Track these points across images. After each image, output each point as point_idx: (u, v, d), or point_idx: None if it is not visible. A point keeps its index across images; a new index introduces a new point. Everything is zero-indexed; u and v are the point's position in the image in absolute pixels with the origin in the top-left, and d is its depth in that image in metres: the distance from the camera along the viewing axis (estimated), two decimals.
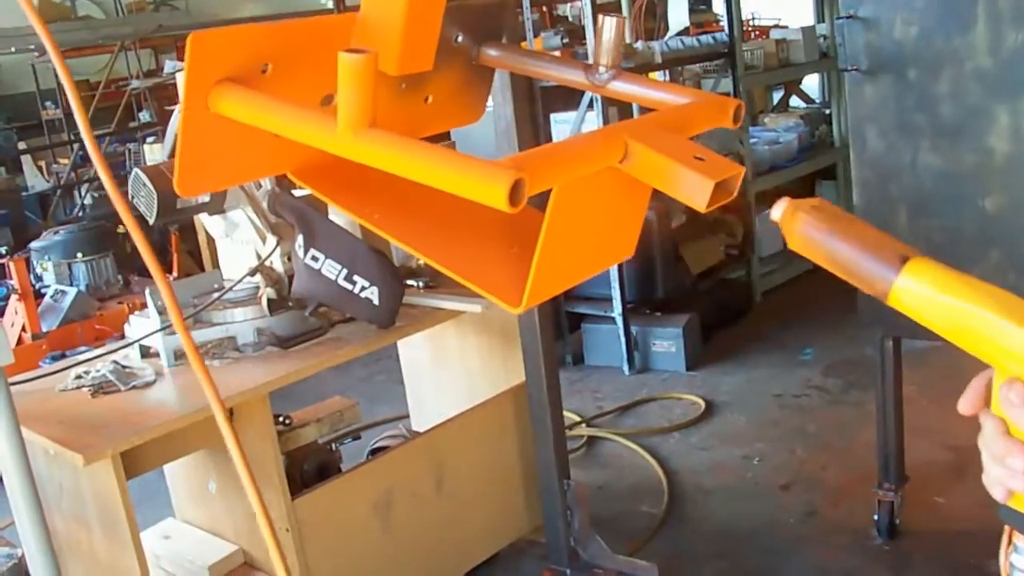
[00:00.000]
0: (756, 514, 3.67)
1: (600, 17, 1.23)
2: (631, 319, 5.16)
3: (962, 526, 3.38)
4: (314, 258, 2.59)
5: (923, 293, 0.86)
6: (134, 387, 2.61)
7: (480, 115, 1.44)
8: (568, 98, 4.99)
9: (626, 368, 5.19)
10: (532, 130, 5.08)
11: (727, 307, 5.71)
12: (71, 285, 6.13)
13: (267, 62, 1.07)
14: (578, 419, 4.67)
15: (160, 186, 2.62)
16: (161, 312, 2.74)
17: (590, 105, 4.87)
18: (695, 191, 0.95)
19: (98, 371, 2.68)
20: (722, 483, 3.91)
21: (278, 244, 2.77)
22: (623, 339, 5.15)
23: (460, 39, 1.33)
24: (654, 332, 5.17)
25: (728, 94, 5.76)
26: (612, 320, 5.17)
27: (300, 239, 2.62)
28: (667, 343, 5.14)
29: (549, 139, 5.13)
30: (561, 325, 5.35)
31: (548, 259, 1.00)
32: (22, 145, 10.10)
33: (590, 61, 1.26)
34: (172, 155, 2.78)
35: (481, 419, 3.27)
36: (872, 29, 2.93)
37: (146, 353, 2.82)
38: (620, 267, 5.01)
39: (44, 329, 5.65)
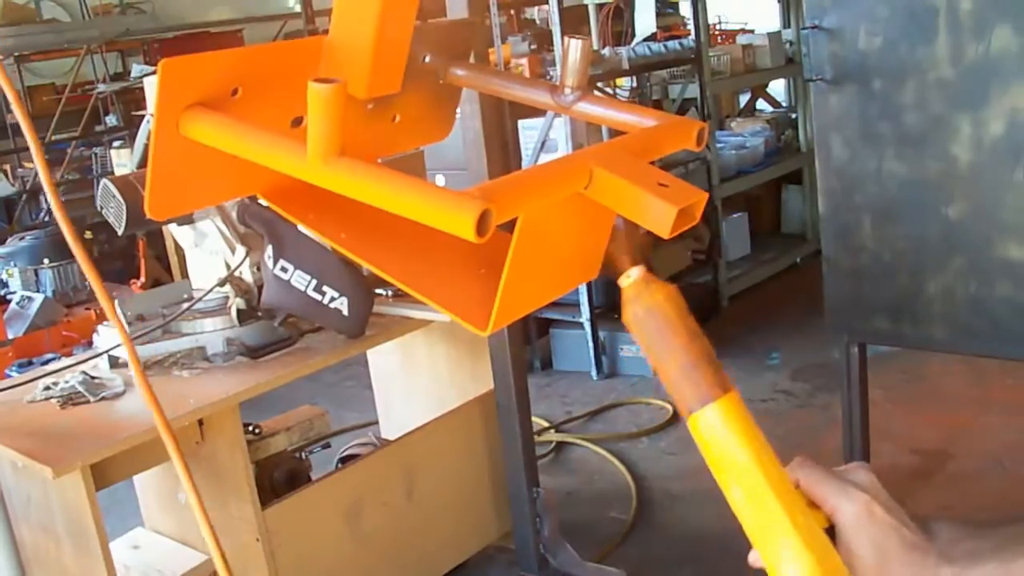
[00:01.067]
0: (724, 519, 3.62)
1: (566, 39, 1.24)
2: (599, 324, 5.19)
3: None
4: (283, 269, 2.60)
5: (719, 433, 0.91)
6: (103, 398, 2.60)
7: (448, 132, 1.45)
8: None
9: (594, 373, 5.22)
10: (500, 141, 5.11)
11: (694, 311, 5.59)
12: (37, 291, 6.09)
13: (237, 86, 1.08)
14: (547, 424, 4.69)
15: (129, 197, 2.61)
16: (131, 323, 2.74)
17: (557, 113, 4.87)
18: (658, 218, 0.97)
19: (67, 382, 2.68)
20: (690, 488, 3.94)
21: (247, 254, 2.77)
22: (591, 344, 5.18)
23: (427, 59, 1.35)
24: (622, 337, 5.20)
25: (695, 99, 5.82)
26: (580, 325, 5.20)
27: (270, 250, 2.62)
28: (635, 348, 5.16)
29: (517, 146, 5.15)
30: (529, 330, 5.38)
31: (515, 282, 1.02)
32: None
33: (556, 81, 1.29)
34: (141, 165, 2.79)
35: (450, 427, 3.28)
36: (836, 40, 2.97)
37: (115, 363, 2.81)
38: None
39: (10, 336, 5.61)
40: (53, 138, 9.38)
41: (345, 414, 4.80)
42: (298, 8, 9.65)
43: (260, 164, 1.02)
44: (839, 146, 3.03)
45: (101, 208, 2.66)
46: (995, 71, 2.71)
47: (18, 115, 1.24)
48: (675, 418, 4.60)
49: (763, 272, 6.41)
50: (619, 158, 1.03)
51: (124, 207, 2.62)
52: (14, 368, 5.23)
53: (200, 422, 2.69)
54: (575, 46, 1.24)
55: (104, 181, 2.64)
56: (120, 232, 2.67)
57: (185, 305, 2.77)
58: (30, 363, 5.34)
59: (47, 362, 5.33)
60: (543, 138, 5.01)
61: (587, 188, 1.00)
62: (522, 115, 5.13)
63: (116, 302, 2.72)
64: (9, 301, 5.90)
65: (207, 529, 1.18)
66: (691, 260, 5.84)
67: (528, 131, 5.14)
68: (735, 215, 6.43)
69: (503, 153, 5.14)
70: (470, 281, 1.11)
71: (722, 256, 5.95)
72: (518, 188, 0.91)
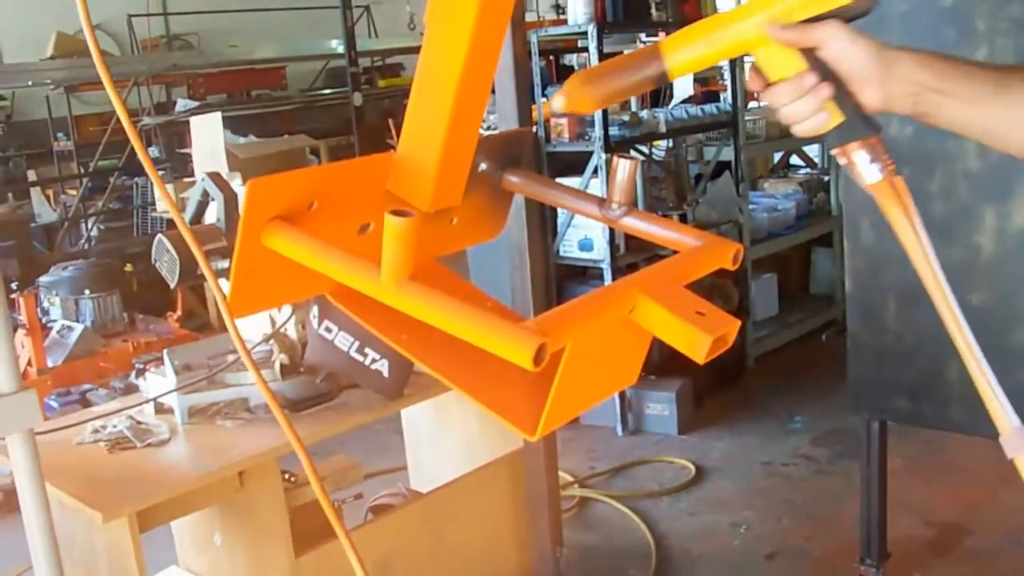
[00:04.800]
0: None
1: (615, 159, 1.35)
2: None
3: None
4: (328, 329, 2.71)
5: None
6: (149, 444, 2.72)
7: (499, 232, 1.56)
8: (576, 163, 5.13)
9: (619, 429, 5.29)
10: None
11: (720, 371, 5.82)
12: (77, 321, 6.23)
13: (314, 200, 1.19)
14: (571, 479, 4.76)
15: (182, 252, 2.73)
16: (178, 372, 2.86)
17: (595, 172, 5.00)
18: (695, 346, 1.07)
19: (115, 426, 2.79)
20: (709, 550, 4.01)
21: (293, 313, 2.89)
22: (617, 400, 5.26)
23: (484, 167, 1.46)
24: (648, 395, 5.28)
25: (729, 162, 5.92)
26: None
27: (315, 309, 2.74)
28: (660, 406, 5.25)
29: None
30: None
31: (563, 393, 1.12)
32: (32, 175, 10.23)
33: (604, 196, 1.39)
34: (195, 221, 2.91)
35: (479, 483, 3.37)
36: None
37: (160, 409, 2.93)
38: None
39: (49, 364, 5.75)
40: (98, 165, 9.61)
41: (374, 459, 4.88)
42: (340, 49, 9.84)
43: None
44: (867, 229, 3.12)
45: (155, 262, 2.78)
46: (1019, 165, 2.79)
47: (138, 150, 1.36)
48: (698, 478, 4.67)
49: (790, 333, 6.46)
50: (660, 285, 1.13)
51: (177, 261, 2.73)
52: (53, 397, 5.37)
53: (240, 472, 2.79)
54: (624, 166, 1.35)
55: (159, 236, 2.75)
56: (172, 284, 2.79)
57: (231, 357, 2.88)
58: (68, 392, 5.48)
59: (85, 392, 5.47)
60: None
61: (631, 312, 1.11)
62: (561, 174, 5.25)
63: (165, 352, 2.85)
64: (50, 329, 6.03)
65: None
66: None
67: None
68: (765, 276, 6.51)
69: (540, 208, 5.29)
70: (519, 387, 1.21)
71: (749, 317, 6.03)
72: (570, 320, 1.02)
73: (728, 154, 5.89)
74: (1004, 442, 1.15)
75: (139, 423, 2.82)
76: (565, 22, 5.66)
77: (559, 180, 4.95)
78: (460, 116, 1.21)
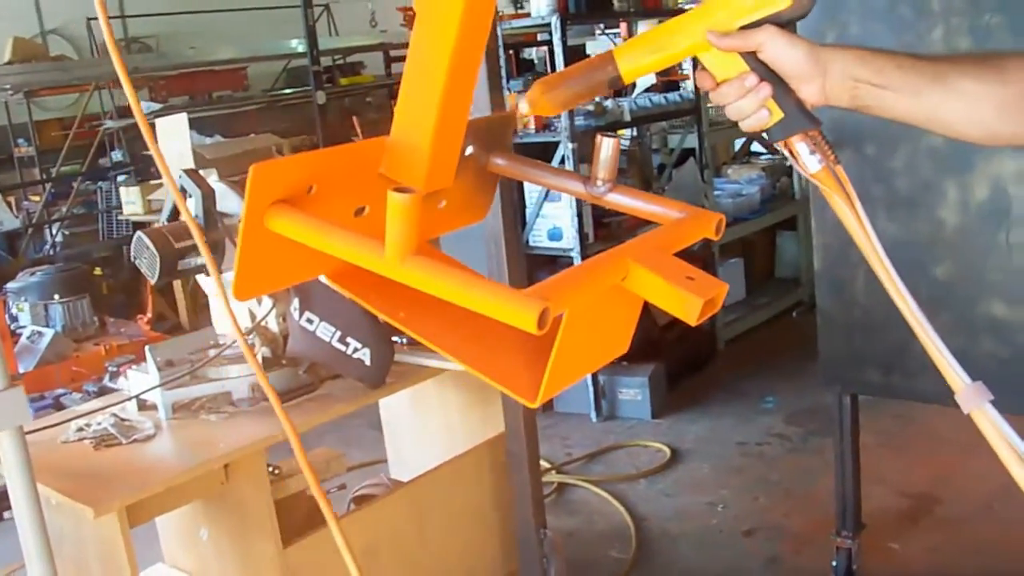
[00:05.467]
0: (721, 560, 3.84)
1: (599, 137, 1.40)
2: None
3: (916, 571, 3.57)
4: (309, 320, 2.74)
5: None
6: (135, 440, 2.73)
7: (485, 215, 1.60)
8: (542, 154, 5.17)
9: (594, 415, 5.35)
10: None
11: (692, 356, 5.90)
12: (47, 326, 6.20)
13: (313, 183, 1.23)
14: (549, 465, 4.82)
15: (162, 248, 2.76)
16: (160, 368, 2.87)
17: (562, 161, 5.05)
18: (687, 308, 1.12)
19: (99, 424, 2.81)
20: (688, 529, 4.07)
21: (274, 305, 2.91)
22: (591, 387, 5.32)
23: (470, 150, 1.50)
24: (621, 380, 5.34)
25: (693, 149, 6.00)
26: None
27: (296, 301, 2.77)
28: (633, 391, 5.31)
29: (521, 191, 5.31)
30: None
31: (561, 361, 1.17)
32: None
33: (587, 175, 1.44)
34: (171, 219, 2.93)
35: (461, 469, 3.41)
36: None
37: (143, 406, 2.94)
38: None
39: (21, 370, 5.72)
40: (61, 170, 9.55)
41: (352, 452, 4.91)
42: (301, 48, 9.82)
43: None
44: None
45: (135, 258, 2.81)
46: None
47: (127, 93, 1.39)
48: (673, 460, 4.74)
49: (758, 316, 6.56)
50: (651, 253, 1.18)
51: (157, 258, 2.76)
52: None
53: (226, 466, 2.82)
54: (607, 144, 1.40)
55: (139, 233, 2.78)
56: (153, 281, 2.81)
57: (213, 352, 2.90)
58: (42, 397, 5.46)
59: (58, 397, 5.45)
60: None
61: (624, 280, 1.15)
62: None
63: (147, 348, 2.86)
64: (19, 336, 6.01)
65: None
66: None
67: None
68: (731, 260, 6.59)
69: (507, 199, 5.33)
70: (517, 356, 1.26)
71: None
72: (569, 285, 1.07)
73: (692, 141, 5.97)
74: (960, 400, 1.23)
75: (123, 420, 2.84)
76: (526, 15, 5.71)
77: None
78: (451, 98, 1.25)
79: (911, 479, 4.30)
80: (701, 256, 6.05)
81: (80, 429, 2.81)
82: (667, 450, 4.82)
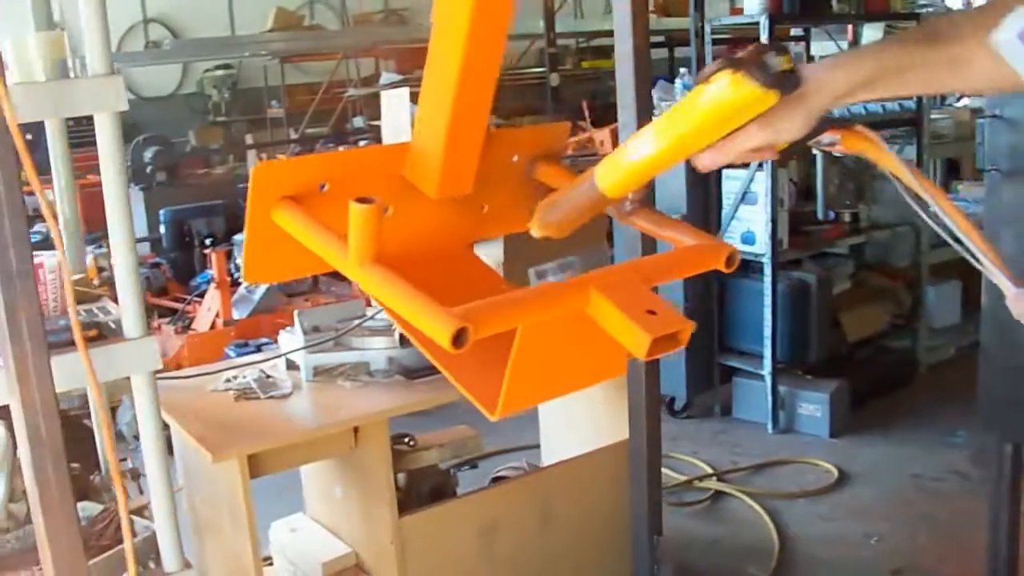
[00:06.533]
0: None
1: None
2: (781, 379, 5.19)
3: None
4: None
5: None
6: (271, 396, 2.92)
7: None
8: None
9: (770, 426, 5.22)
10: (703, 189, 5.19)
11: (885, 377, 5.64)
12: None
13: (324, 182, 1.30)
14: (710, 471, 4.75)
15: None
16: (306, 332, 3.05)
17: (760, 166, 4.93)
18: (636, 342, 1.12)
19: (245, 377, 3.02)
20: (834, 557, 3.93)
21: None
22: (770, 397, 5.19)
23: (516, 159, 1.53)
24: (801, 395, 5.18)
25: (912, 162, 5.70)
26: (761, 377, 5.22)
27: None
28: (813, 407, 5.14)
29: (719, 192, 5.23)
30: (713, 376, 5.45)
31: (522, 378, 1.18)
32: (249, 139, 10.89)
33: None
34: None
35: (594, 464, 3.43)
36: (1016, 131, 2.94)
37: (291, 366, 3.14)
38: (774, 326, 5.05)
39: (235, 317, 6.16)
40: (306, 132, 10.15)
41: (521, 435, 4.98)
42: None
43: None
44: (1010, 239, 2.98)
45: None
46: None
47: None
48: (839, 483, 4.57)
49: (969, 341, 6.17)
50: (621, 282, 1.18)
51: None
52: (232, 347, 5.76)
53: (356, 430, 2.96)
54: None
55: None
56: None
57: (356, 322, 3.05)
58: (246, 344, 5.86)
59: (260, 346, 5.83)
60: (744, 190, 5.08)
61: (587, 308, 1.16)
62: (727, 164, 5.19)
63: (296, 313, 3.04)
64: (239, 285, 6.45)
65: None
66: (888, 324, 5.73)
67: (731, 181, 5.22)
68: (948, 282, 6.23)
69: (705, 199, 5.27)
70: (494, 369, 1.28)
71: (921, 323, 5.80)
72: (501, 311, 1.09)
73: (910, 152, 5.66)
74: (1010, 303, 1.28)
75: (267, 377, 3.03)
76: (740, 11, 5.58)
77: (725, 172, 4.90)
78: (462, 110, 1.29)
79: None
80: (906, 275, 5.77)
81: (228, 380, 3.02)
82: (835, 472, 4.65)
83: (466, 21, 1.20)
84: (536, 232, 1.38)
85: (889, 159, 1.28)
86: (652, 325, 1.11)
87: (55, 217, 2.41)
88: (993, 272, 1.20)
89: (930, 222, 1.26)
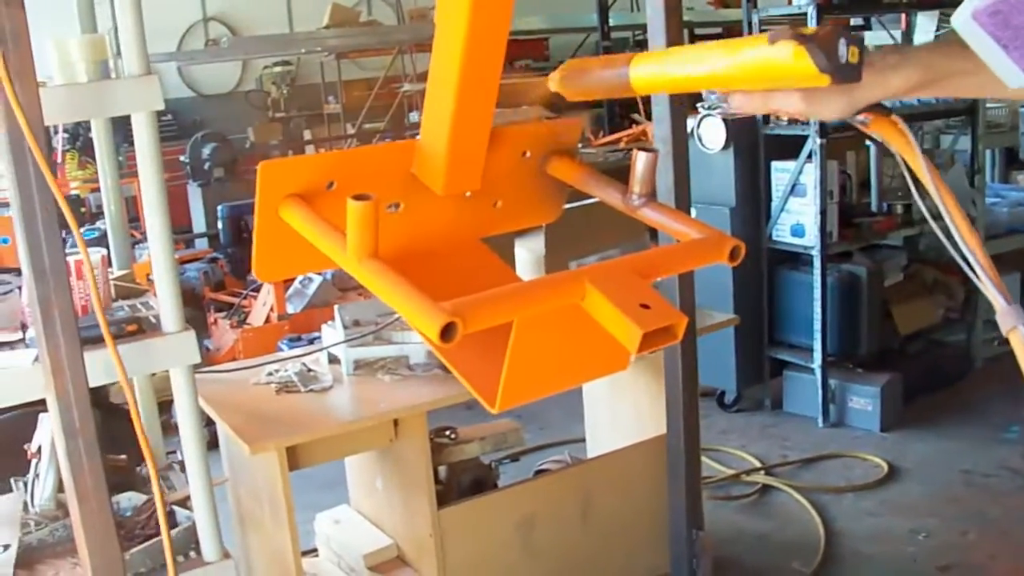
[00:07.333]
0: None
1: (636, 152, 1.41)
2: (831, 372, 5.14)
3: None
4: None
5: None
6: (312, 390, 2.97)
7: (555, 216, 1.64)
8: (790, 146, 5.03)
9: (820, 420, 5.17)
10: (752, 180, 5.14)
11: (939, 371, 5.55)
12: (319, 274, 6.70)
13: (332, 181, 1.32)
14: (758, 465, 4.73)
15: None
16: (347, 326, 3.10)
17: (808, 157, 4.89)
18: (628, 336, 1.12)
19: (287, 371, 3.07)
20: (880, 553, 3.89)
21: None
22: (820, 391, 5.14)
23: (528, 154, 1.54)
24: (852, 388, 5.13)
25: (966, 151, 5.61)
26: (812, 371, 5.17)
27: None
28: (864, 401, 5.08)
29: (768, 184, 5.19)
30: (763, 369, 5.41)
31: (520, 371, 1.20)
32: (307, 134, 11.02)
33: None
34: None
35: (635, 458, 3.43)
36: None
37: (332, 359, 3.18)
38: (824, 319, 5.01)
39: (289, 311, 6.25)
40: (363, 127, 10.24)
41: (547, 432, 4.99)
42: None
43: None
44: None
45: None
46: None
47: None
48: (888, 478, 4.51)
49: None
50: (618, 276, 1.19)
51: None
52: (285, 341, 5.84)
53: (396, 423, 3.00)
54: (643, 158, 1.41)
55: None
56: None
57: (395, 316, 3.09)
58: (299, 338, 5.94)
59: (313, 340, 5.91)
60: (793, 181, 5.04)
61: (583, 301, 1.17)
62: (776, 156, 5.16)
63: (336, 307, 3.09)
64: (293, 280, 6.53)
65: None
66: (941, 317, 5.64)
67: (780, 172, 5.17)
68: (1004, 276, 6.10)
69: (754, 191, 5.23)
70: (495, 362, 1.30)
71: (977, 316, 5.70)
72: (492, 305, 1.10)
73: (965, 143, 5.57)
74: (999, 318, 1.19)
75: (309, 370, 3.08)
76: (788, 2, 5.53)
77: (774, 163, 4.88)
78: (465, 107, 1.31)
79: None
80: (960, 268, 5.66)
81: (270, 374, 3.08)
82: (884, 466, 4.60)
83: (466, 20, 1.22)
84: (554, 86, 1.37)
85: (912, 155, 1.26)
86: (644, 319, 1.12)
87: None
88: (988, 285, 1.19)
89: (933, 225, 1.25)
